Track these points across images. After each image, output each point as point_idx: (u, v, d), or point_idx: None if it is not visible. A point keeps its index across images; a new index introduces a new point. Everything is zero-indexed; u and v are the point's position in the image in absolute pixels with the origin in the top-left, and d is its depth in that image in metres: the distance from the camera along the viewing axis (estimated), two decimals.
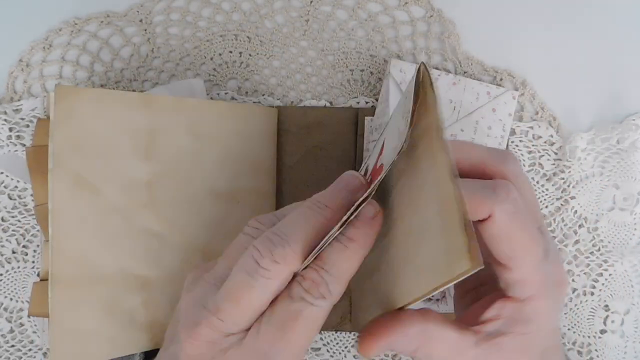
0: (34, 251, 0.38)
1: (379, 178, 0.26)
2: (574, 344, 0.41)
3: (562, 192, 0.40)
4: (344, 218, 0.26)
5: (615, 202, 0.41)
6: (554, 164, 0.41)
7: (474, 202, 0.27)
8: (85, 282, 0.33)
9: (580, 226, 0.41)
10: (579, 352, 0.41)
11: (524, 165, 0.40)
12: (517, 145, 0.41)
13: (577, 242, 0.41)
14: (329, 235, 0.27)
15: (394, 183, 0.29)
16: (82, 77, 0.40)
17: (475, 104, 0.39)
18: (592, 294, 0.41)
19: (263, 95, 0.41)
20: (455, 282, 0.23)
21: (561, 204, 0.41)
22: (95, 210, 0.34)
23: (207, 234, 0.36)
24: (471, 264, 0.22)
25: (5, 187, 0.38)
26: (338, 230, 0.27)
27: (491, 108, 0.39)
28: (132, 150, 0.35)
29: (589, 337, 0.41)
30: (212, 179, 0.37)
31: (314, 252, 0.27)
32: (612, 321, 0.40)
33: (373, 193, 0.26)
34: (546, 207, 0.41)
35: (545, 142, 0.41)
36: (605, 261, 0.41)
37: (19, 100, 0.39)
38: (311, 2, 0.40)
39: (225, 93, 0.40)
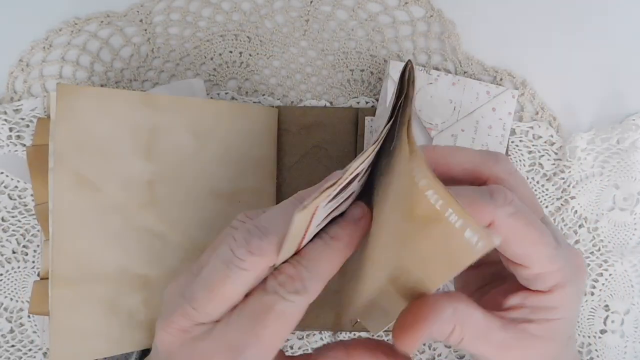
0: (34, 251, 0.38)
1: (353, 170, 0.25)
2: None
3: (562, 192, 0.40)
4: (323, 214, 0.26)
5: (615, 202, 0.41)
6: (554, 164, 0.41)
7: (474, 211, 0.27)
8: (86, 280, 0.33)
9: (580, 226, 0.41)
10: (579, 352, 0.41)
11: (524, 165, 0.40)
12: (517, 145, 0.41)
13: (577, 242, 0.41)
14: (307, 231, 0.26)
15: (378, 182, 0.29)
16: (82, 77, 0.40)
17: (475, 104, 0.39)
18: (592, 293, 0.41)
19: (263, 95, 0.41)
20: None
21: (561, 204, 0.41)
22: (96, 209, 0.34)
23: (208, 233, 0.36)
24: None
25: (5, 187, 0.38)
26: (317, 226, 0.27)
27: (491, 107, 0.39)
28: (133, 149, 0.35)
29: (589, 337, 0.41)
30: (213, 178, 0.37)
31: (285, 245, 0.26)
32: (612, 321, 0.40)
33: (343, 184, 0.25)
34: (546, 207, 0.41)
35: (545, 142, 0.41)
36: (606, 261, 0.41)
37: (19, 100, 0.39)
38: (311, 2, 0.40)
39: (226, 93, 0.40)
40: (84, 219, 0.33)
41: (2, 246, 0.38)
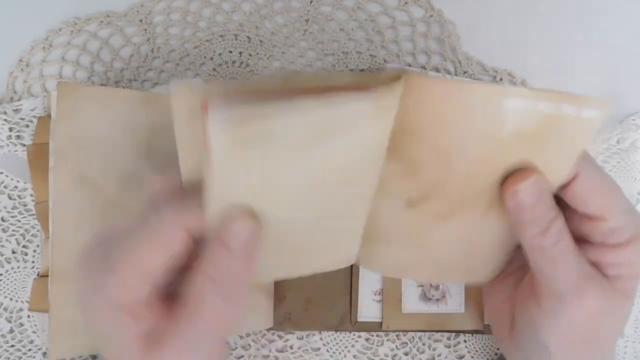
0: (34, 251, 0.38)
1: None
2: None
3: None
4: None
5: None
6: None
7: None
8: None
9: None
10: None
11: None
12: None
13: None
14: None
15: None
16: (82, 77, 0.40)
17: None
18: None
19: None
20: None
21: None
22: (96, 206, 0.34)
23: None
24: None
25: (5, 187, 0.38)
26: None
27: None
28: (133, 147, 0.35)
29: None
30: None
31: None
32: (626, 323, 0.40)
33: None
34: None
35: None
36: None
37: (19, 100, 0.39)
38: (311, 2, 0.40)
39: None
40: (83, 216, 0.33)
41: (2, 246, 0.38)
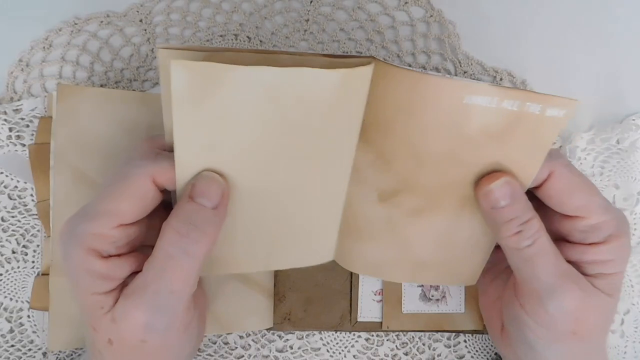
0: (34, 251, 0.38)
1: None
2: None
3: None
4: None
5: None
6: None
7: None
8: None
9: None
10: None
11: None
12: None
13: None
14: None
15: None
16: (82, 77, 0.40)
17: None
18: None
19: None
20: None
21: None
22: None
23: None
24: None
25: (5, 187, 0.38)
26: None
27: None
28: (131, 146, 0.35)
29: None
30: None
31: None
32: (612, 321, 0.40)
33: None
34: None
35: None
36: None
37: (19, 100, 0.39)
38: (311, 2, 0.40)
39: None
40: None
41: (2, 246, 0.38)
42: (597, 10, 0.41)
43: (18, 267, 0.38)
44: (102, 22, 0.40)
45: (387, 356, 0.40)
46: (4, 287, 0.38)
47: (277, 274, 0.39)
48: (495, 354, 0.41)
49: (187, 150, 0.27)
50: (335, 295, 0.39)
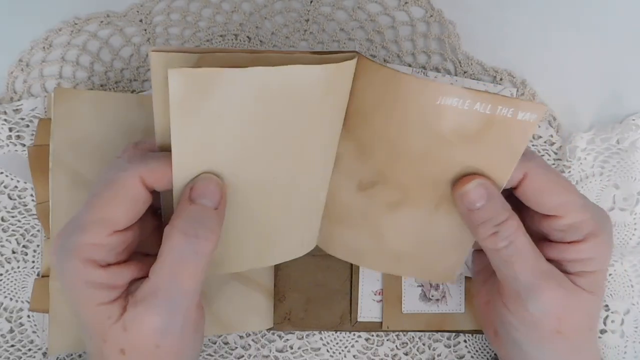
0: (34, 251, 0.38)
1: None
2: None
3: None
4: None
5: (615, 202, 0.41)
6: (554, 164, 0.41)
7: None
8: None
9: None
10: None
11: None
12: None
13: None
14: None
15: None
16: (82, 77, 0.40)
17: None
18: None
19: None
20: None
21: None
22: None
23: None
24: None
25: (5, 187, 0.38)
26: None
27: None
28: None
29: None
30: None
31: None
32: (612, 321, 0.40)
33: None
34: None
35: (545, 142, 0.41)
36: None
37: (19, 100, 0.39)
38: (311, 2, 0.40)
39: None
40: None
41: (2, 246, 0.38)
42: (597, 11, 0.41)
43: (18, 267, 0.38)
44: (102, 22, 0.40)
45: (387, 356, 0.40)
46: (4, 287, 0.38)
47: (277, 274, 0.39)
48: (495, 354, 0.41)
49: (184, 153, 0.27)
50: (335, 295, 0.39)
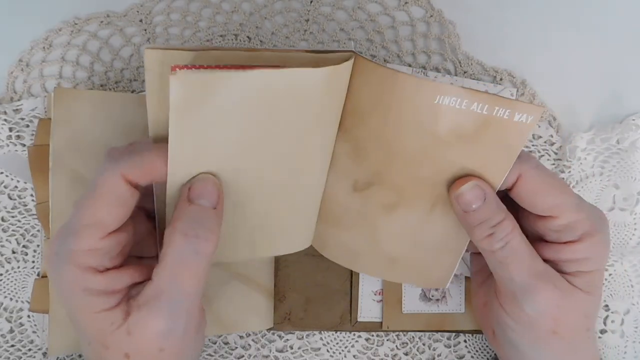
0: (34, 251, 0.38)
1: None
2: None
3: None
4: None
5: (615, 202, 0.41)
6: (554, 164, 0.41)
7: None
8: None
9: None
10: None
11: None
12: None
13: None
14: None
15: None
16: (82, 77, 0.40)
17: None
18: None
19: None
20: None
21: None
22: None
23: None
24: None
25: (5, 187, 0.38)
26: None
27: None
28: None
29: None
30: None
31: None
32: (612, 321, 0.40)
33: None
34: None
35: (545, 142, 0.41)
36: None
37: (19, 100, 0.39)
38: (311, 2, 0.40)
39: None
40: None
41: (2, 246, 0.38)
42: (597, 11, 0.41)
43: (18, 267, 0.38)
44: (102, 22, 0.40)
45: (387, 356, 0.40)
46: (4, 287, 0.38)
47: (277, 274, 0.39)
48: (495, 354, 0.41)
49: (180, 153, 0.27)
50: (335, 295, 0.39)
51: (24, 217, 0.38)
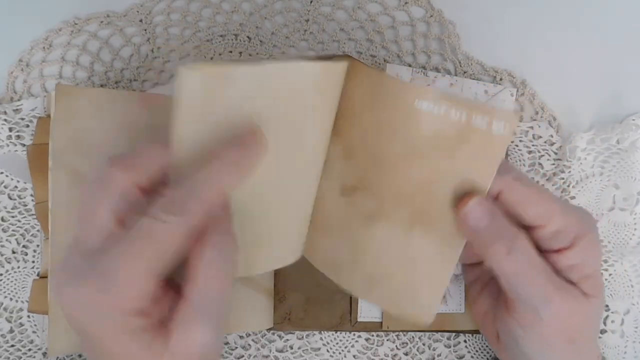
0: (34, 251, 0.38)
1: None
2: None
3: (562, 192, 0.40)
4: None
5: (615, 202, 0.41)
6: (554, 164, 0.41)
7: None
8: None
9: None
10: None
11: (524, 166, 0.40)
12: (516, 145, 0.41)
13: None
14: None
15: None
16: (82, 77, 0.40)
17: None
18: None
19: None
20: None
21: None
22: None
23: None
24: None
25: (5, 187, 0.38)
26: None
27: None
28: (130, 147, 0.35)
29: None
30: None
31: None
32: (612, 321, 0.40)
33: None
34: None
35: (545, 142, 0.41)
36: (605, 261, 0.41)
37: (19, 100, 0.39)
38: (311, 2, 0.40)
39: None
40: None
41: (2, 246, 0.38)
42: (597, 11, 0.41)
43: (18, 267, 0.38)
44: (102, 22, 0.40)
45: (387, 356, 0.40)
46: (4, 287, 0.38)
47: (277, 274, 0.39)
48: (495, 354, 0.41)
49: (184, 149, 0.27)
50: (335, 295, 0.39)
51: (24, 217, 0.38)
